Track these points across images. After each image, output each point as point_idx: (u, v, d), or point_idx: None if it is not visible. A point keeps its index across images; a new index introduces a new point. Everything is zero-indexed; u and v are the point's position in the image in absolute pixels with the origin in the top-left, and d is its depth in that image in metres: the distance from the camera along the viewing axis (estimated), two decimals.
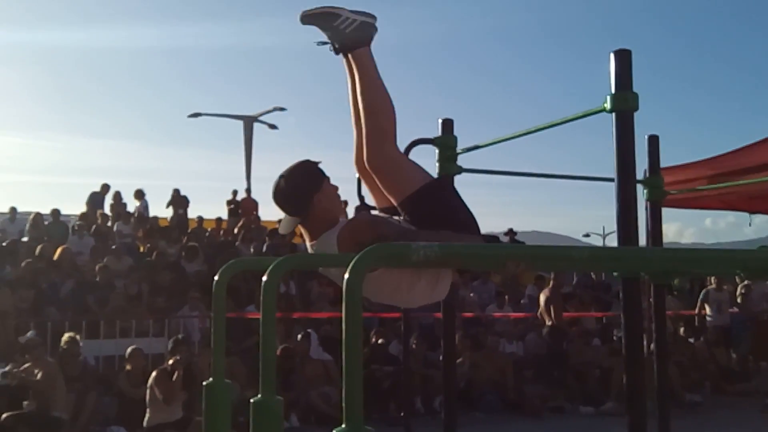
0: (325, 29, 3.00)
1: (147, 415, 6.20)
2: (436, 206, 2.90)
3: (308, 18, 3.00)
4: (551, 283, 10.47)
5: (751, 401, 9.38)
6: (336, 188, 3.01)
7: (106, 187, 15.42)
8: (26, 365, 6.99)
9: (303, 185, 2.90)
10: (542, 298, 10.19)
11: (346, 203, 18.70)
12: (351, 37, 2.98)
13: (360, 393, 1.94)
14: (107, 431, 7.07)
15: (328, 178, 2.96)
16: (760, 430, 7.84)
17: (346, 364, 1.93)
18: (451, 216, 2.90)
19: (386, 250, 2.09)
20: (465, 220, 2.94)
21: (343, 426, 1.89)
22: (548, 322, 9.97)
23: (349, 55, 3.01)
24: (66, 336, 7.75)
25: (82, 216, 14.37)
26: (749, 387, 10.22)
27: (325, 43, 3.04)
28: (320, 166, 3.03)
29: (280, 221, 13.46)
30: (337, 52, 3.03)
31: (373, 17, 3.05)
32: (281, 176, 2.95)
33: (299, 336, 8.96)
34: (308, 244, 2.97)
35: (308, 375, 8.42)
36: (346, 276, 1.97)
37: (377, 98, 3.00)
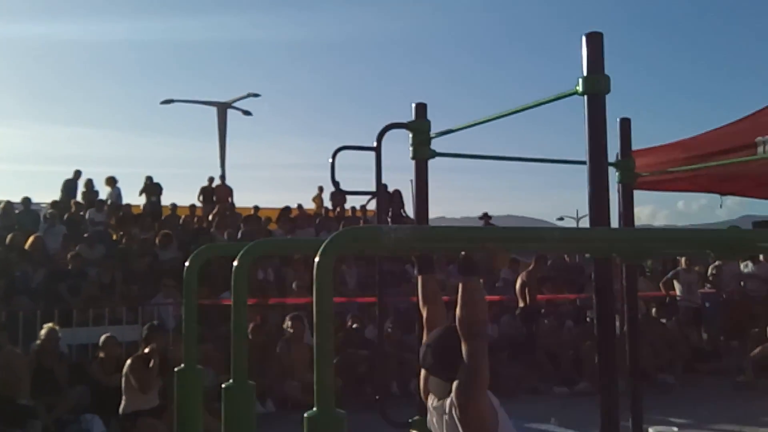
0: None
1: (123, 403, 6.16)
2: None
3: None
4: (531, 266, 10.53)
5: (722, 380, 9.54)
6: None
7: (78, 173, 15.26)
8: None
9: (450, 357, 2.83)
10: (518, 281, 10.25)
11: (321, 188, 18.67)
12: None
13: (332, 376, 1.94)
14: (81, 419, 7.01)
15: None
16: (731, 408, 7.97)
17: (317, 347, 1.92)
18: None
19: (355, 233, 2.08)
20: None
21: (315, 409, 1.89)
22: (521, 304, 10.04)
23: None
24: (45, 327, 7.70)
25: (54, 204, 14.20)
26: (720, 366, 10.39)
27: None
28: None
29: (255, 208, 13.47)
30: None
31: None
32: (427, 345, 2.97)
33: (288, 319, 8.90)
34: (430, 400, 3.00)
35: (296, 359, 8.37)
36: (317, 259, 1.96)
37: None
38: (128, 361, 6.28)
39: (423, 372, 3.12)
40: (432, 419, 2.97)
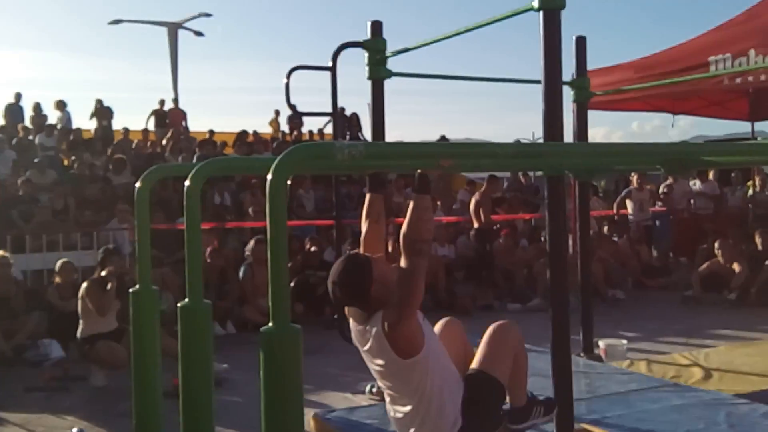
0: None
1: (80, 326, 6.14)
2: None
3: None
4: (483, 187, 10.61)
5: (671, 295, 9.85)
6: (385, 265, 2.94)
7: (19, 96, 14.83)
8: None
9: (357, 286, 2.83)
10: (473, 201, 10.33)
11: (277, 112, 18.50)
12: None
13: (287, 292, 1.96)
14: (39, 344, 7.00)
15: (374, 261, 2.88)
16: (678, 321, 8.25)
17: (271, 264, 1.93)
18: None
19: (309, 150, 2.07)
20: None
21: (270, 324, 1.92)
22: (476, 225, 10.15)
23: None
24: None
25: (1, 129, 13.81)
26: (669, 282, 10.71)
27: None
28: (359, 253, 2.98)
29: (210, 132, 13.25)
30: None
31: None
32: (333, 282, 2.89)
33: (252, 242, 8.87)
34: (352, 323, 2.97)
35: (259, 282, 8.37)
36: (270, 176, 1.95)
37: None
38: (84, 285, 6.23)
39: None
40: (356, 339, 2.99)
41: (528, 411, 3.42)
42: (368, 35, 5.31)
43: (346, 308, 2.99)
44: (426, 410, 2.92)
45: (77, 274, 7.62)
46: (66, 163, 12.90)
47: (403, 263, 2.70)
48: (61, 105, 15.23)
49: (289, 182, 1.86)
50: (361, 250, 3.13)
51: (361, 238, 3.21)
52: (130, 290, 2.95)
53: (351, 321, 2.99)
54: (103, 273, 6.15)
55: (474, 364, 3.15)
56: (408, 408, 2.94)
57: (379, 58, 5.27)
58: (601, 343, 6.32)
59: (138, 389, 2.99)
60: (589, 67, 6.25)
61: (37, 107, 14.85)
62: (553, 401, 3.55)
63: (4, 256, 7.51)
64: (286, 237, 1.95)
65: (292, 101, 5.58)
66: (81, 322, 6.14)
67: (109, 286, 6.04)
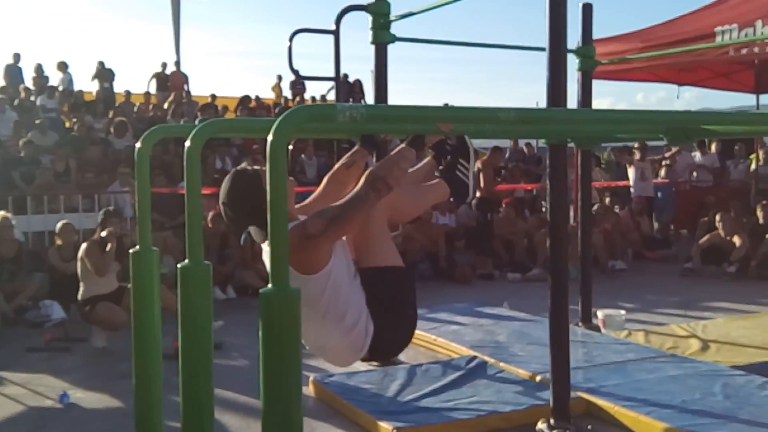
0: None
1: (81, 288, 6.16)
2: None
3: None
4: (485, 156, 10.57)
5: (671, 267, 9.87)
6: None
7: (17, 57, 14.73)
8: None
9: (248, 201, 2.67)
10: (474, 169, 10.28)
11: (280, 77, 18.39)
12: None
13: (286, 254, 1.95)
14: (40, 305, 7.03)
15: (263, 173, 2.62)
16: (677, 293, 8.28)
17: (271, 226, 1.92)
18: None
19: (310, 111, 2.05)
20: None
21: (270, 286, 1.92)
22: (477, 194, 10.12)
23: None
24: None
25: (2, 89, 13.74)
26: (669, 254, 10.73)
27: None
28: (247, 167, 2.79)
29: (212, 96, 13.22)
30: None
31: None
32: (223, 203, 2.72)
33: None
34: (264, 246, 2.82)
35: (259, 247, 8.38)
36: (270, 137, 1.94)
37: None
38: (83, 246, 6.23)
39: None
40: (265, 259, 2.83)
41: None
42: None
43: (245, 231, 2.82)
44: (332, 325, 2.72)
45: (78, 236, 7.62)
46: (67, 125, 12.86)
47: (357, 189, 2.55)
48: (62, 66, 15.14)
49: (290, 147, 1.85)
50: (321, 186, 3.05)
51: (328, 175, 3.08)
52: (131, 251, 2.95)
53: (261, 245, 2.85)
54: (103, 234, 6.15)
55: (360, 264, 2.84)
56: (314, 326, 2.72)
57: (383, 22, 5.23)
58: (600, 314, 6.35)
59: (138, 350, 3.00)
60: (595, 37, 6.21)
61: (39, 68, 14.77)
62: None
63: (5, 217, 7.52)
64: (286, 199, 1.94)
65: (295, 67, 5.55)
66: (81, 283, 6.15)
67: (108, 246, 6.05)
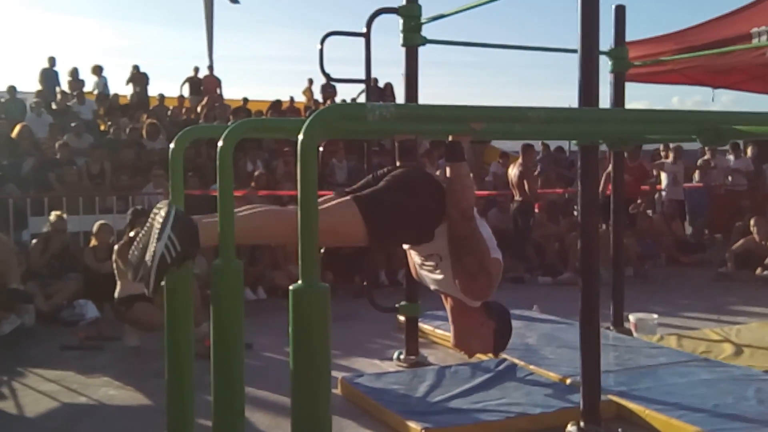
0: None
1: (117, 287, 6.26)
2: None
3: None
4: (519, 158, 10.47)
5: (704, 271, 9.75)
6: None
7: (53, 61, 14.96)
8: None
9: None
10: (515, 172, 10.10)
11: (311, 81, 18.48)
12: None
13: (316, 251, 1.97)
14: (74, 305, 7.15)
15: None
16: (710, 298, 8.18)
17: (301, 224, 1.94)
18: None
19: (340, 110, 2.07)
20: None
21: (300, 282, 1.93)
22: (518, 197, 10.05)
23: None
24: (54, 215, 7.81)
25: (39, 93, 13.99)
26: (703, 258, 10.60)
27: None
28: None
29: (244, 99, 13.30)
30: None
31: None
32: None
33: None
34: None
35: (291, 248, 8.43)
36: (300, 137, 1.96)
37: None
38: (115, 247, 6.33)
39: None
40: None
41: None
42: (403, 1, 5.28)
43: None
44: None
45: (113, 237, 7.75)
46: (102, 128, 13.04)
47: (458, 231, 2.66)
48: (97, 70, 15.36)
49: (321, 149, 1.87)
50: None
51: None
52: None
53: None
54: (132, 234, 6.23)
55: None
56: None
57: (414, 24, 5.25)
58: (632, 317, 6.30)
59: (170, 349, 3.04)
60: (629, 39, 6.17)
61: (74, 72, 15.00)
62: None
63: (62, 218, 7.76)
64: (316, 198, 1.95)
65: (326, 71, 5.58)
66: (118, 283, 6.25)
67: None
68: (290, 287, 1.95)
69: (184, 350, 3.03)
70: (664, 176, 11.36)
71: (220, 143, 2.49)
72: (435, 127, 2.32)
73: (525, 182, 9.85)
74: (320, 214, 2.52)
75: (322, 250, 5.30)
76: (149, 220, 2.62)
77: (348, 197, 2.70)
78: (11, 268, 6.80)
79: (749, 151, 12.73)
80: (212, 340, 2.66)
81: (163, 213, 2.54)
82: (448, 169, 2.64)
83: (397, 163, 3.11)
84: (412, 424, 3.96)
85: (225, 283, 2.55)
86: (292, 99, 16.22)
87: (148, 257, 2.53)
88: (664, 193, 11.42)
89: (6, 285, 6.65)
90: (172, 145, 2.97)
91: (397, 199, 2.69)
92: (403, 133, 2.81)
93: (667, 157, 11.76)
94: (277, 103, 15.55)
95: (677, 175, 11.37)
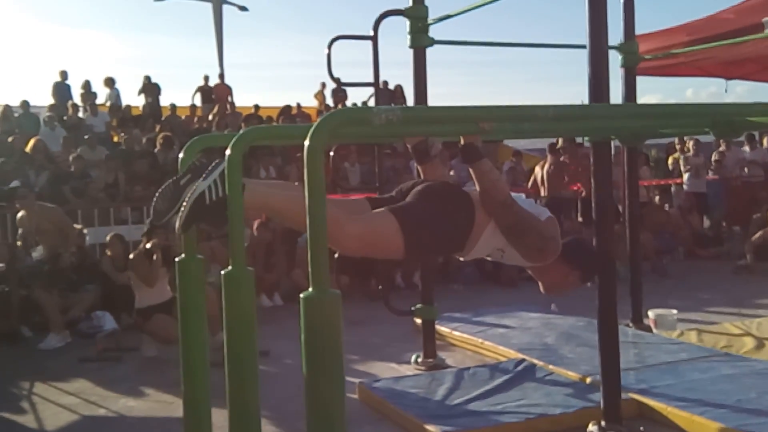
0: None
1: (136, 298, 6.28)
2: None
3: None
4: (548, 159, 10.58)
5: (723, 265, 9.65)
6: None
7: (65, 74, 15.06)
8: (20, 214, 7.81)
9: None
10: (540, 170, 10.24)
11: (323, 85, 18.49)
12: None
13: (325, 258, 1.95)
14: (92, 316, 7.17)
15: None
16: (730, 291, 8.09)
17: (310, 229, 1.93)
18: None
19: (346, 114, 2.06)
20: None
21: (310, 289, 1.92)
22: (543, 194, 10.07)
23: None
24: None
25: (52, 107, 14.08)
26: (721, 251, 10.49)
27: None
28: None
29: (255, 106, 13.33)
30: None
31: None
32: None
33: None
34: None
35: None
36: (307, 142, 1.95)
37: None
38: (130, 257, 6.35)
39: None
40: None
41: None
42: (410, 2, 5.27)
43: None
44: None
45: (128, 247, 7.77)
46: (116, 139, 13.10)
47: (506, 222, 2.75)
48: (109, 82, 15.45)
49: (332, 153, 1.86)
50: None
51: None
52: (176, 259, 2.98)
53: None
54: (148, 245, 6.25)
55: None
56: None
57: (421, 25, 5.23)
58: (651, 314, 6.24)
59: (185, 358, 3.03)
60: (638, 32, 6.11)
61: (87, 84, 15.09)
62: None
63: (83, 233, 7.88)
64: (324, 204, 1.94)
65: (336, 74, 5.57)
66: (136, 294, 6.27)
67: (154, 257, 6.14)
68: (301, 295, 1.93)
69: (198, 359, 3.02)
70: (684, 168, 11.29)
71: (228, 151, 2.49)
72: (443, 129, 2.30)
73: (552, 179, 9.93)
74: (358, 223, 2.55)
75: (336, 255, 5.30)
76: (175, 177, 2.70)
77: (383, 209, 2.73)
78: (68, 235, 7.26)
79: (765, 141, 12.61)
80: (225, 348, 2.65)
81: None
82: (471, 172, 2.67)
83: (417, 167, 3.21)
84: (431, 428, 3.93)
85: (237, 290, 2.54)
86: (298, 105, 16.22)
87: (187, 196, 2.56)
88: (685, 187, 11.32)
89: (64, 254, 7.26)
90: (181, 155, 2.97)
91: (432, 212, 2.74)
92: (411, 135, 2.80)
93: (683, 150, 11.67)
94: (287, 109, 15.57)
95: (699, 168, 11.29)
